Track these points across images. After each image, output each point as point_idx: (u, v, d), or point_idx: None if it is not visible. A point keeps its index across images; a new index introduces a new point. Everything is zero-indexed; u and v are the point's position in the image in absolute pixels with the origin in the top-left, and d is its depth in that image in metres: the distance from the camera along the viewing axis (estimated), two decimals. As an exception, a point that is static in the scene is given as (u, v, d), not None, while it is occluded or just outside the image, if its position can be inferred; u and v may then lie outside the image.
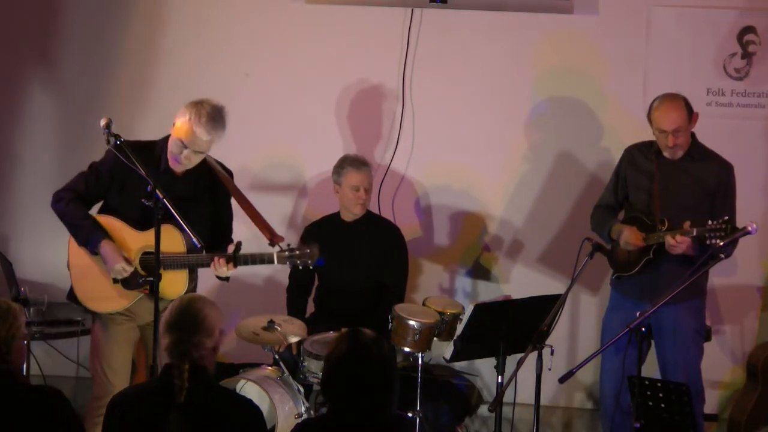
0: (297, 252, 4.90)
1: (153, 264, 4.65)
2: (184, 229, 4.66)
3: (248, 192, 6.29)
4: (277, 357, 5.24)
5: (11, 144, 6.59)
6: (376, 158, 6.34)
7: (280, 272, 6.35)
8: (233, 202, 5.09)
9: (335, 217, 5.95)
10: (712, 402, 6.09)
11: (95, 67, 6.49)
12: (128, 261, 4.82)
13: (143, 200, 4.60)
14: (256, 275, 6.53)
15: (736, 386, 6.16)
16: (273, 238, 4.89)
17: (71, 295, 4.96)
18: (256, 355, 5.74)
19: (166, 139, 4.89)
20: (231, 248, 4.85)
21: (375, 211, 6.18)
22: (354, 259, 5.84)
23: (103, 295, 4.87)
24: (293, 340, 5.24)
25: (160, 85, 6.45)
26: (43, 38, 6.52)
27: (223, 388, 3.82)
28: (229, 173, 5.09)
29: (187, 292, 4.84)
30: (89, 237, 4.81)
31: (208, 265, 4.83)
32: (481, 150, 6.35)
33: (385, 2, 6.28)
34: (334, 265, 5.87)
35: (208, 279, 6.47)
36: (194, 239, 4.67)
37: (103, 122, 4.75)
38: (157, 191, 4.52)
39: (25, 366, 5.15)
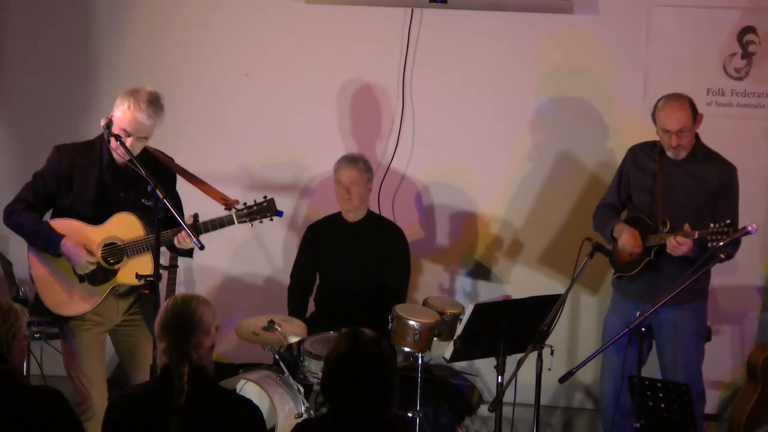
0: (255, 208, 4.95)
1: (116, 253, 4.81)
2: (148, 211, 4.66)
3: (249, 192, 6.33)
4: (277, 357, 5.24)
5: (12, 142, 6.60)
6: (376, 158, 6.34)
7: (280, 272, 6.36)
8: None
9: (337, 216, 5.95)
10: (712, 402, 6.09)
11: (95, 68, 6.49)
12: (91, 253, 4.83)
13: (143, 200, 4.62)
14: (256, 275, 6.53)
15: (736, 386, 6.16)
16: (227, 202, 4.92)
17: (38, 305, 4.93)
18: (256, 355, 5.74)
19: (102, 135, 4.88)
20: (189, 220, 4.87)
21: (375, 211, 6.17)
22: (355, 259, 5.84)
23: (71, 298, 4.89)
24: (293, 340, 5.24)
25: (159, 86, 6.41)
26: (39, 37, 6.54)
27: (223, 388, 3.81)
28: (169, 158, 5.10)
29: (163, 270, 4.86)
30: (48, 240, 4.83)
31: (171, 241, 4.84)
32: (481, 150, 6.35)
33: (385, 2, 6.28)
34: (336, 264, 5.87)
35: (207, 278, 6.52)
36: (194, 239, 4.67)
37: (103, 122, 4.78)
38: (157, 191, 4.53)
39: (25, 366, 5.14)
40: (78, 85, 6.51)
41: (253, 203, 4.96)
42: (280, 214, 5.00)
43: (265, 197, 4.99)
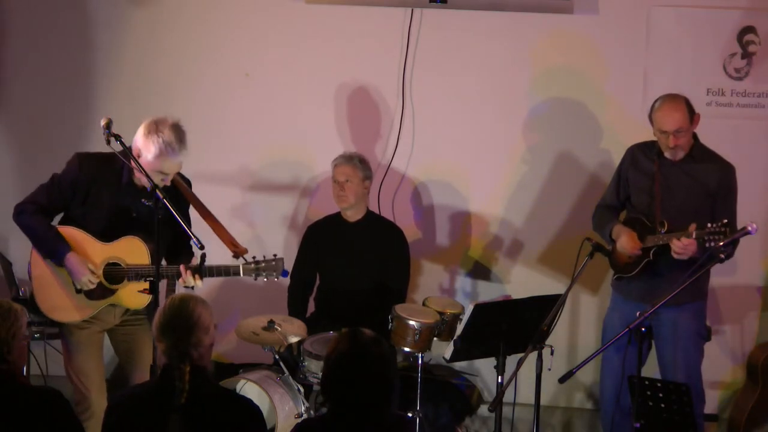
0: (263, 264, 4.92)
1: (117, 275, 4.79)
2: (154, 239, 4.65)
3: (249, 192, 6.34)
4: (277, 357, 5.24)
5: (12, 142, 6.60)
6: (376, 158, 6.34)
7: (280, 272, 6.36)
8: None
9: (337, 216, 5.95)
10: (712, 402, 6.09)
11: (95, 68, 6.49)
12: (94, 273, 4.81)
13: (143, 200, 4.60)
14: (256, 275, 6.53)
15: (736, 386, 6.16)
16: (236, 250, 4.89)
17: (33, 305, 4.91)
18: (256, 355, 5.75)
19: (124, 153, 4.78)
20: (195, 261, 4.84)
21: (375, 211, 6.18)
22: (355, 259, 5.84)
23: (65, 305, 4.87)
24: (293, 340, 5.24)
25: (159, 86, 6.46)
26: (39, 38, 6.54)
27: (223, 388, 3.82)
28: (188, 182, 5.07)
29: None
30: (54, 249, 4.81)
31: (175, 277, 4.83)
32: (481, 150, 6.35)
33: (385, 2, 6.28)
34: (336, 264, 5.88)
35: (207, 279, 6.50)
36: (195, 240, 4.66)
37: (103, 122, 4.74)
38: (157, 191, 4.52)
39: (25, 366, 5.14)
40: (78, 85, 6.51)
41: (262, 259, 4.92)
42: (285, 274, 4.99)
43: (274, 256, 4.95)
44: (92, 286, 4.82)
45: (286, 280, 5.99)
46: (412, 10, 6.29)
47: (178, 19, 6.47)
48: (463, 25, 6.28)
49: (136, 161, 4.71)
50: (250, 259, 4.90)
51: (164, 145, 4.72)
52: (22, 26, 6.54)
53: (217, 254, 4.91)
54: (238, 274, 4.89)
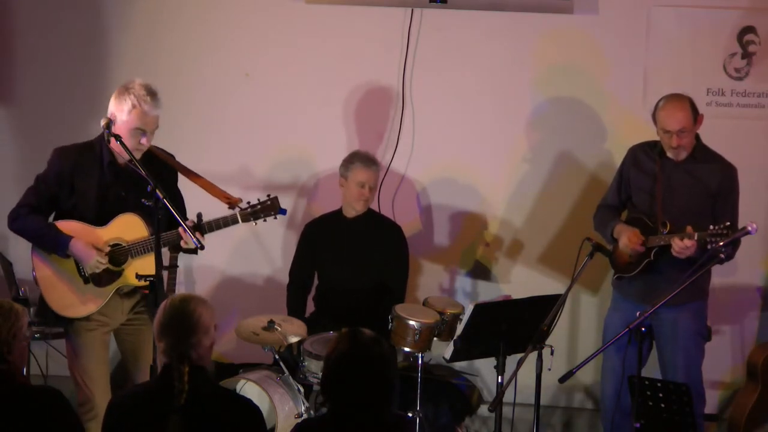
0: (258, 206, 4.94)
1: (120, 255, 4.82)
2: (155, 213, 4.64)
3: (248, 192, 6.33)
4: (277, 357, 5.24)
5: (19, 140, 6.61)
6: (376, 158, 6.34)
7: (280, 272, 6.36)
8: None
9: (337, 214, 5.95)
10: (712, 402, 6.09)
11: (96, 67, 6.49)
12: (101, 253, 4.81)
13: (143, 200, 4.61)
14: (255, 275, 6.53)
15: (736, 386, 6.16)
16: (230, 201, 4.91)
17: (43, 308, 4.92)
18: (256, 355, 5.75)
19: (101, 135, 4.85)
20: (193, 220, 4.85)
21: (375, 210, 6.17)
22: (354, 258, 5.84)
23: (76, 300, 4.87)
24: (293, 340, 5.24)
25: (160, 86, 6.41)
26: (41, 38, 6.54)
27: (223, 388, 3.82)
28: (170, 155, 5.08)
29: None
30: (56, 242, 4.81)
31: (177, 242, 4.83)
32: (481, 150, 6.35)
33: (385, 2, 6.28)
34: (334, 261, 5.87)
35: (207, 278, 6.52)
36: (194, 239, 4.67)
37: (103, 122, 4.77)
38: (157, 191, 4.52)
39: (25, 366, 5.14)
40: (80, 84, 6.51)
41: (257, 202, 4.95)
42: (284, 212, 5.00)
43: (268, 195, 4.98)
44: (103, 267, 4.81)
45: (286, 280, 6.00)
46: (412, 10, 6.28)
47: (178, 19, 6.47)
48: (463, 25, 6.28)
49: (126, 148, 4.70)
50: (244, 206, 4.92)
51: (137, 99, 4.78)
52: (25, 28, 6.53)
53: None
54: (237, 221, 4.91)
